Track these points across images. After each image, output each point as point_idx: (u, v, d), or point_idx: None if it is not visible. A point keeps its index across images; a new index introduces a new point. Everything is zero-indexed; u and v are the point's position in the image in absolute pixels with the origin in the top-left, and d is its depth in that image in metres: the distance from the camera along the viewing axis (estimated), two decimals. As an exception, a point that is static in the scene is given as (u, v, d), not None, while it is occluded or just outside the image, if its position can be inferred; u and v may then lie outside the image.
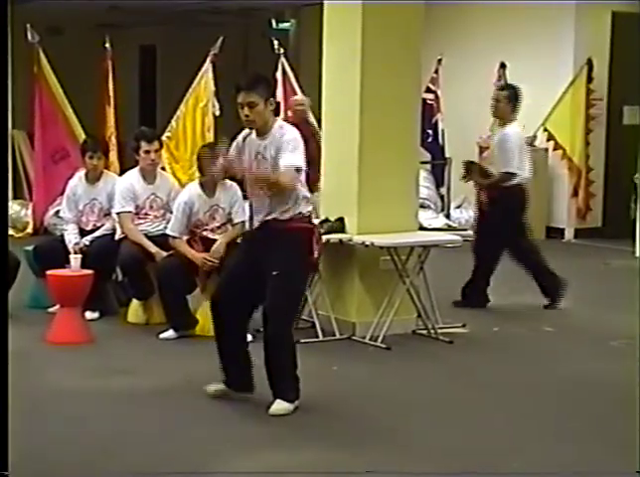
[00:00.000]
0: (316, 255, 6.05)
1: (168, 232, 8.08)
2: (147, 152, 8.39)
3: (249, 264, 6.05)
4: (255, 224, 6.10)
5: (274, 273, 5.85)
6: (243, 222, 8.13)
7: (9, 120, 8.50)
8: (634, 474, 4.83)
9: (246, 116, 5.92)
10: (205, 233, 8.08)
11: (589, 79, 13.76)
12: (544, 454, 5.48)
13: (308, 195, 6.10)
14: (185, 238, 8.07)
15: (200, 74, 11.82)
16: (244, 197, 8.63)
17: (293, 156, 5.85)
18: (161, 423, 5.90)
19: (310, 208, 6.12)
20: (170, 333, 7.92)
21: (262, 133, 5.97)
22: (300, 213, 5.97)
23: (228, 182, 8.08)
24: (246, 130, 6.09)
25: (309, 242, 5.98)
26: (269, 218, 5.95)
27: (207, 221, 8.07)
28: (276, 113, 13.13)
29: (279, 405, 5.95)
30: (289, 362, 6.02)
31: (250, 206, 6.44)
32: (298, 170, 5.89)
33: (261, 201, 5.99)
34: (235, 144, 6.12)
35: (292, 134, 5.95)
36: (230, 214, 8.11)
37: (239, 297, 6.06)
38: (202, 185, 8.05)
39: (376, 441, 5.60)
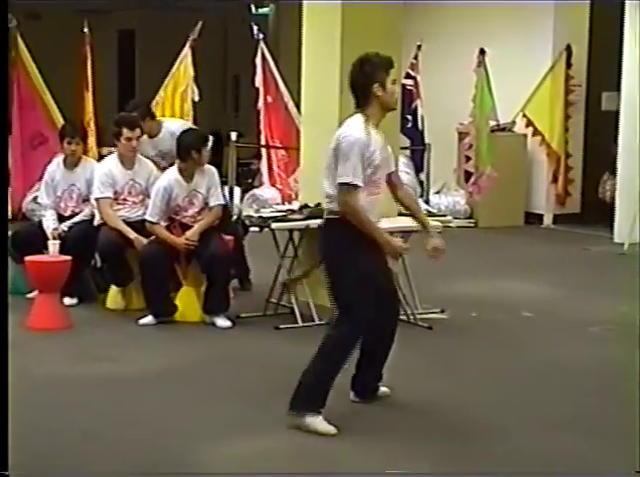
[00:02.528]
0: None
1: (146, 217, 8.05)
2: (129, 139, 8.34)
3: None
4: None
5: None
6: (220, 205, 8.12)
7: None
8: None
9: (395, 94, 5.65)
10: (184, 219, 8.06)
11: (568, 66, 13.79)
12: (527, 440, 5.50)
13: None
14: (164, 223, 8.05)
15: (179, 59, 11.78)
16: (223, 183, 8.66)
17: None
18: (143, 409, 5.89)
19: None
20: (149, 319, 7.91)
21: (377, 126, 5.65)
22: None
23: (205, 166, 8.08)
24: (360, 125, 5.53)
25: None
26: None
27: (186, 206, 8.05)
28: (256, 99, 13.14)
29: None
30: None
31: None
32: None
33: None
34: (364, 139, 5.49)
35: None
36: (207, 198, 8.07)
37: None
38: (180, 170, 8.02)
39: (357, 425, 5.61)
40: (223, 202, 8.25)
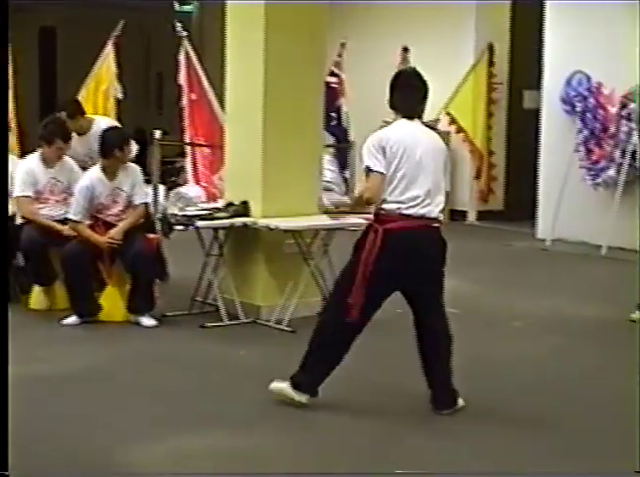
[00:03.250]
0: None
1: (69, 216, 7.97)
2: (60, 149, 8.29)
3: None
4: None
5: None
6: (144, 204, 8.07)
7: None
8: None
9: None
10: (108, 218, 7.99)
11: (491, 64, 13.96)
12: (452, 435, 5.54)
13: None
14: (88, 222, 7.97)
15: (101, 56, 11.64)
16: (147, 181, 8.59)
17: None
18: (67, 409, 5.83)
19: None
20: (73, 319, 7.83)
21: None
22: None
23: (129, 164, 8.02)
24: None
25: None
26: None
27: (109, 204, 7.98)
28: (180, 97, 13.06)
29: None
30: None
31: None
32: None
33: None
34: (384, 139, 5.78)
35: None
36: (131, 197, 8.01)
37: None
38: (103, 168, 7.95)
39: (277, 421, 5.62)
40: (147, 200, 8.21)
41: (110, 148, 7.85)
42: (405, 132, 5.74)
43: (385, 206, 5.63)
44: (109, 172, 7.94)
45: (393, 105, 5.90)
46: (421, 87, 5.92)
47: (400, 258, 5.61)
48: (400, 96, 5.88)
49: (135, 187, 8.02)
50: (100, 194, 7.93)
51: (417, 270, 5.69)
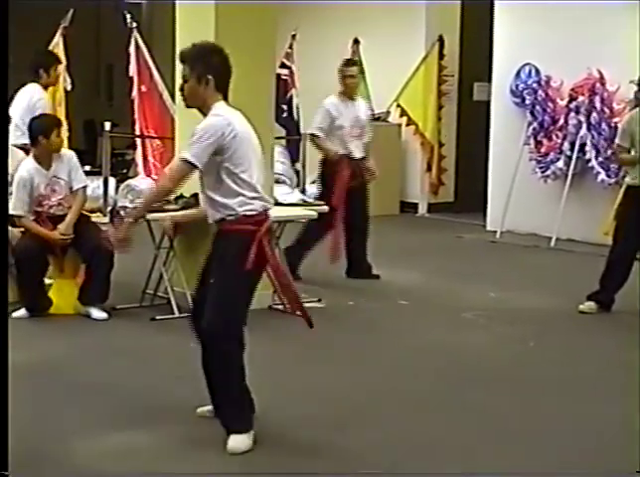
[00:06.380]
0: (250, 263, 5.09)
1: (12, 211, 7.69)
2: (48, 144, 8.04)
3: None
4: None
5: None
6: (84, 187, 7.98)
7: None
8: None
9: (181, 90, 5.26)
10: (50, 209, 7.89)
11: (441, 56, 14.01)
12: (399, 425, 5.58)
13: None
14: (31, 217, 7.87)
15: (50, 47, 11.56)
16: (98, 173, 8.52)
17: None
18: (13, 405, 5.78)
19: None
20: (23, 312, 7.77)
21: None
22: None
23: (63, 151, 7.98)
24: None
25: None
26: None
27: (48, 194, 7.86)
28: (130, 88, 12.97)
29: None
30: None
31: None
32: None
33: None
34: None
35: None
36: (70, 184, 7.90)
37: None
38: (35, 158, 7.87)
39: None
40: (85, 183, 8.05)
41: (35, 136, 7.81)
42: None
43: None
44: (42, 161, 7.84)
45: (222, 87, 5.22)
46: None
47: None
48: (226, 77, 5.26)
49: (72, 172, 7.92)
50: (38, 184, 7.81)
51: None
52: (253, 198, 5.12)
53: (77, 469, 4.92)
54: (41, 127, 7.85)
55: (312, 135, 9.46)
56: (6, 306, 4.67)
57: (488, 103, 12.99)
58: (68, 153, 8.00)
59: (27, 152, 8.23)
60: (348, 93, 9.48)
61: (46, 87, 9.74)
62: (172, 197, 8.06)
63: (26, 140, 8.29)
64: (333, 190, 9.13)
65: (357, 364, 6.79)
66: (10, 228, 7.79)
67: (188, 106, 5.27)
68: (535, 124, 11.98)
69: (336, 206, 9.00)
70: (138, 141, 12.81)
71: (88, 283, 7.86)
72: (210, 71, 5.15)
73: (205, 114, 5.16)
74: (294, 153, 14.27)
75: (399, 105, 14.03)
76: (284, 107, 13.88)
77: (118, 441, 5.25)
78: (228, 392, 5.21)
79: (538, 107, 11.95)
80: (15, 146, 8.80)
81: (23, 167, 7.89)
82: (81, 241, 7.79)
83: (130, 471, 4.91)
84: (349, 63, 9.73)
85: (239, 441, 5.08)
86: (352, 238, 9.43)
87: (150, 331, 7.52)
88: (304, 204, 8.86)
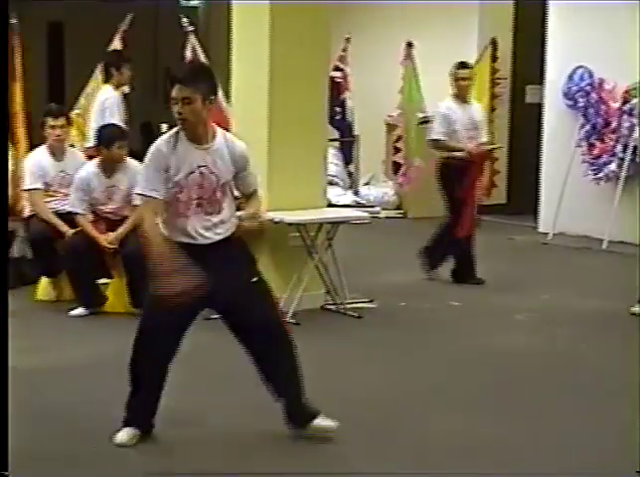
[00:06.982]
0: None
1: (69, 208, 8.05)
2: (53, 127, 8.37)
3: None
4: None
5: None
6: None
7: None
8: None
9: (179, 114, 5.11)
10: (106, 214, 8.06)
11: (494, 59, 13.99)
12: (460, 425, 5.62)
13: None
14: (90, 216, 8.04)
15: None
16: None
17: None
18: (73, 398, 5.92)
19: None
20: (80, 310, 7.93)
21: (199, 140, 5.17)
22: None
23: (129, 162, 8.03)
24: (168, 136, 5.19)
25: None
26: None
27: (104, 200, 8.02)
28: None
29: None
30: None
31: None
32: None
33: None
34: (157, 153, 5.12)
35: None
36: (130, 195, 7.82)
37: None
38: (98, 164, 8.04)
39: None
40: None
41: (98, 144, 8.02)
42: None
43: None
44: (104, 168, 8.00)
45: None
46: None
47: None
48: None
49: (134, 185, 8.04)
50: (95, 188, 7.98)
51: None
52: None
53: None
54: (104, 137, 8.01)
55: (435, 140, 9.47)
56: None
57: (540, 106, 12.99)
58: (133, 164, 7.91)
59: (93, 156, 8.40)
60: (461, 96, 9.54)
61: (117, 87, 9.92)
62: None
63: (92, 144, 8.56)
64: (458, 187, 9.25)
65: (407, 364, 6.83)
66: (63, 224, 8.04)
67: (185, 129, 5.17)
68: (587, 127, 11.96)
69: (464, 199, 9.25)
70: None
71: (132, 287, 7.90)
72: (214, 91, 5.29)
73: (202, 136, 5.17)
74: (347, 155, 14.37)
75: (451, 108, 14.04)
76: (338, 109, 13.98)
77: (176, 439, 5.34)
78: (299, 379, 5.37)
79: (590, 110, 11.93)
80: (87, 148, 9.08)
81: (85, 168, 8.11)
82: (122, 244, 7.92)
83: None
84: (461, 65, 9.74)
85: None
86: (462, 241, 9.45)
87: (202, 331, 7.57)
88: (357, 205, 8.95)
